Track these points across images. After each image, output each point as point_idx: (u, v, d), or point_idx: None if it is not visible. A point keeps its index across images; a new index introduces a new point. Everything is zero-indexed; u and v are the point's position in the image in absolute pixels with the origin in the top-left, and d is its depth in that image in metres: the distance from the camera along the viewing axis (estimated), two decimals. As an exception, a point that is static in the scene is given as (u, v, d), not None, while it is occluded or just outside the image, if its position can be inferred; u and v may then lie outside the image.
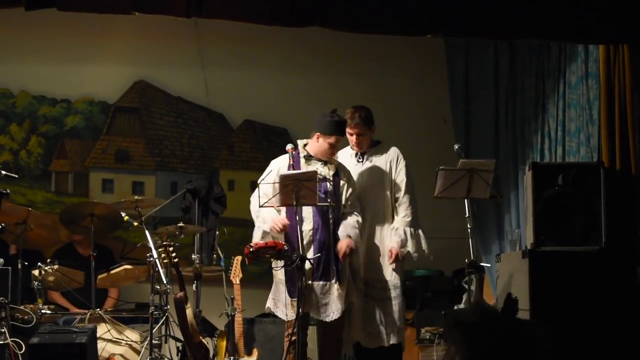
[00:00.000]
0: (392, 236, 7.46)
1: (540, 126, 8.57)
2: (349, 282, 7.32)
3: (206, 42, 9.65)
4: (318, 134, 7.31)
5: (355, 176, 7.52)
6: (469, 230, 7.04)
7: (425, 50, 9.66)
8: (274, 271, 7.29)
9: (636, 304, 6.99)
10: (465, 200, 7.15)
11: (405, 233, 7.46)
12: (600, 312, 6.86)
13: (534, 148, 8.62)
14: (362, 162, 7.62)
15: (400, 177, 7.57)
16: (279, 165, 7.37)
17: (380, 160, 7.61)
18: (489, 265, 8.00)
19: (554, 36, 7.70)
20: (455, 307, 8.03)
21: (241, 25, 7.82)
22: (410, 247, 7.45)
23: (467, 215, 7.10)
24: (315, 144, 7.34)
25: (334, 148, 7.34)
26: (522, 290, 6.95)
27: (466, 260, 7.07)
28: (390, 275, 7.48)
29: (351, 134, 7.56)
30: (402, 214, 7.50)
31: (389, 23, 7.30)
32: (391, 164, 7.59)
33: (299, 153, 7.37)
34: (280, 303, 7.24)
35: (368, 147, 7.65)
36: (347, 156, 7.67)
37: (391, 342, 7.44)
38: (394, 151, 7.64)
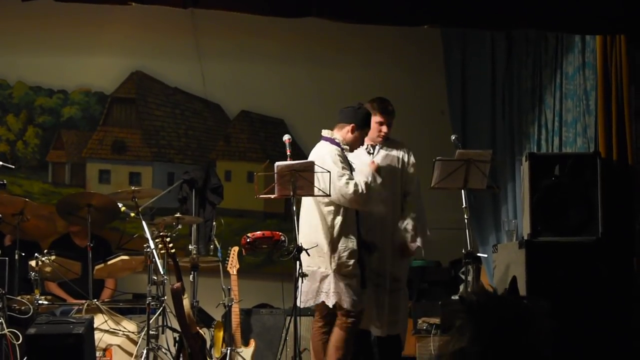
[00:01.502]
0: (402, 231, 7.45)
1: (537, 117, 8.57)
2: None
3: (203, 32, 9.64)
4: (353, 125, 7.24)
5: (367, 167, 7.47)
6: (465, 220, 7.04)
7: (422, 41, 9.65)
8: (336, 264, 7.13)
9: (632, 294, 7.00)
10: (462, 191, 7.15)
11: (415, 229, 7.45)
12: (596, 302, 6.87)
13: (531, 139, 8.62)
14: (373, 154, 7.60)
15: (411, 172, 7.57)
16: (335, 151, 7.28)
17: (393, 154, 7.59)
18: (485, 255, 8.02)
19: (551, 26, 7.70)
20: (453, 297, 8.04)
21: (238, 16, 7.82)
22: (419, 242, 7.46)
23: (463, 206, 7.10)
24: (348, 136, 7.27)
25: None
26: (519, 280, 6.96)
27: (463, 251, 7.08)
28: (399, 267, 7.49)
29: (382, 123, 7.53)
30: (412, 209, 7.50)
31: (386, 13, 7.29)
32: (403, 158, 7.58)
33: (339, 145, 7.27)
34: (347, 295, 7.14)
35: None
36: (358, 150, 7.59)
37: (397, 332, 7.47)
38: (405, 146, 7.64)
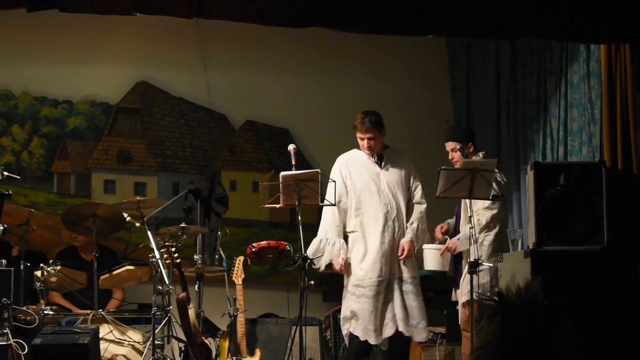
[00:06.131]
0: (407, 229, 7.55)
1: (542, 126, 8.57)
2: None
3: (208, 42, 9.66)
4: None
5: (377, 178, 7.53)
6: (470, 230, 7.03)
7: (427, 50, 9.67)
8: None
9: (638, 303, 6.98)
10: (467, 200, 7.15)
11: (418, 229, 7.54)
12: (602, 311, 6.86)
13: (536, 148, 8.62)
14: (380, 164, 7.62)
15: (417, 181, 7.66)
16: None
17: (400, 164, 7.65)
18: (491, 265, 7.99)
19: (556, 35, 7.70)
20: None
21: (243, 26, 7.83)
22: (418, 244, 7.55)
23: (469, 215, 7.10)
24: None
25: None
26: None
27: (468, 260, 7.07)
28: (414, 271, 7.57)
29: (362, 139, 7.57)
30: (419, 213, 7.59)
31: (391, 23, 7.31)
32: (409, 168, 7.66)
33: None
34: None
35: (381, 150, 7.66)
36: (365, 161, 7.65)
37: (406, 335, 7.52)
38: (408, 154, 7.74)
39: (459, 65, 9.46)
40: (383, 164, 7.61)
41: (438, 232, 7.75)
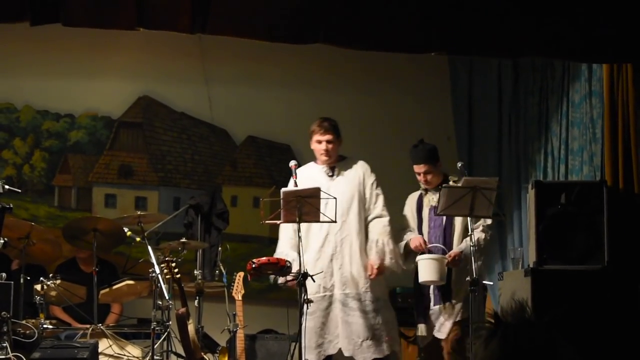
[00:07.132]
0: (372, 249, 7.46)
1: (544, 144, 8.58)
2: None
3: (210, 58, 9.67)
4: None
5: (328, 191, 7.42)
6: (471, 248, 7.02)
7: (429, 68, 9.66)
8: None
9: (639, 322, 6.98)
10: (468, 219, 7.15)
11: (384, 245, 7.44)
12: (602, 331, 6.85)
13: (537, 166, 8.63)
14: (332, 176, 7.59)
15: (374, 191, 7.56)
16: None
17: (351, 174, 7.58)
18: (491, 283, 7.99)
19: (558, 55, 7.72)
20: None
21: (245, 42, 7.84)
22: (387, 260, 7.45)
23: (469, 234, 7.09)
24: None
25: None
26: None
27: (468, 278, 7.06)
28: (373, 288, 7.46)
29: (320, 142, 7.54)
30: (381, 227, 7.49)
31: (393, 40, 7.32)
32: (362, 177, 7.57)
33: None
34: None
35: (336, 161, 7.62)
36: (315, 172, 7.62)
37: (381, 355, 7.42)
38: (363, 165, 7.63)
39: (461, 82, 9.47)
40: (334, 175, 7.58)
41: (422, 244, 7.58)
